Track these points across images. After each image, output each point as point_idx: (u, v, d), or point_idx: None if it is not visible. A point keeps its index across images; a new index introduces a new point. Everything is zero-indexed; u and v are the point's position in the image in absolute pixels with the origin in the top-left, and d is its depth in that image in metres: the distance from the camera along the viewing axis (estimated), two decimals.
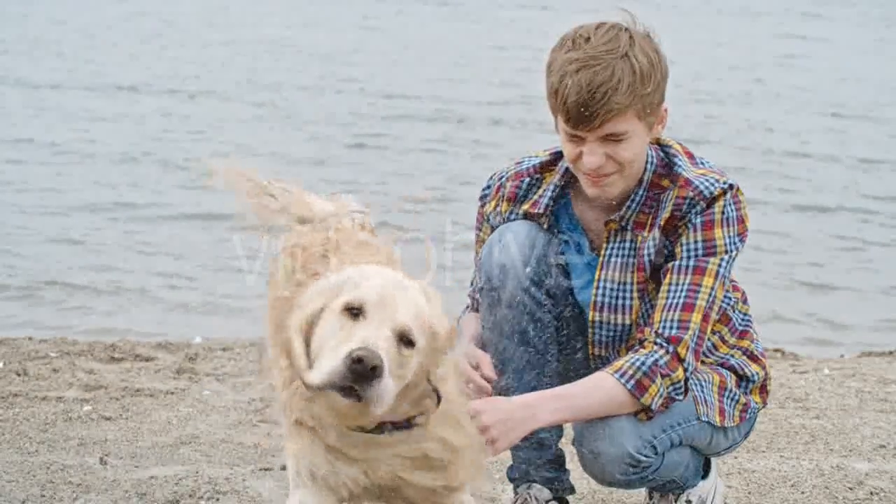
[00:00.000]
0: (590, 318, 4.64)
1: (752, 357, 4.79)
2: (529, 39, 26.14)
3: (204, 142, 16.01)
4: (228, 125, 17.10)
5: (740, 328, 4.81)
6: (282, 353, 3.74)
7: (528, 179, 4.73)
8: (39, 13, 27.86)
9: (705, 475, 4.91)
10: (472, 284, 4.89)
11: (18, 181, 13.69)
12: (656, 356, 4.40)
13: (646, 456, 4.49)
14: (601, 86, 4.27)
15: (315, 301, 3.69)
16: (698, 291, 4.45)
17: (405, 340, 3.59)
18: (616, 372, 4.40)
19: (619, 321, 4.60)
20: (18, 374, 7.16)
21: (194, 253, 11.20)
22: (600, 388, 4.41)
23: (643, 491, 5.10)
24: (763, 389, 4.83)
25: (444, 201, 13.23)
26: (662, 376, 4.39)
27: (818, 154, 16.77)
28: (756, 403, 4.80)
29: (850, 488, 5.70)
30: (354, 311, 3.57)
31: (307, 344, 3.66)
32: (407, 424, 3.75)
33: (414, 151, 16.00)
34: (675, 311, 4.44)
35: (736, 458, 6.00)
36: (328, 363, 3.50)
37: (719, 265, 4.47)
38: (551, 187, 4.68)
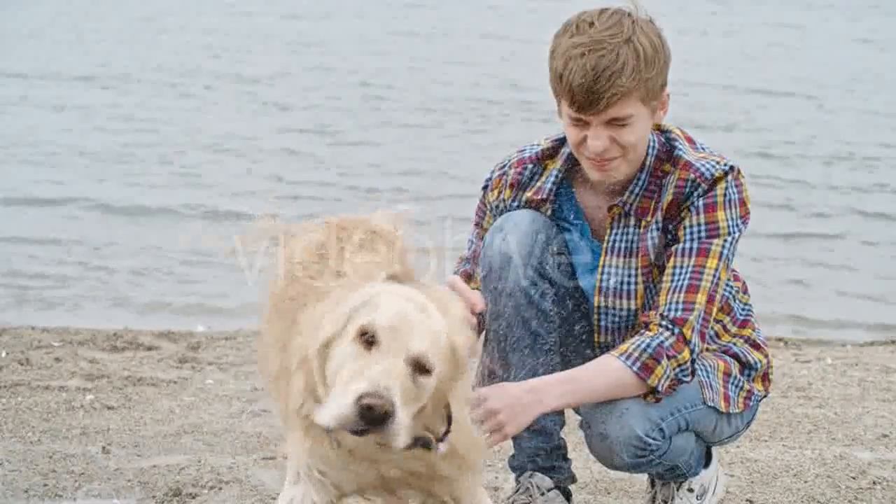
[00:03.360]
0: (595, 304, 4.64)
1: (755, 345, 4.80)
2: (517, 28, 26.14)
3: (183, 133, 15.96)
4: (210, 116, 17.01)
5: (741, 318, 4.82)
6: (297, 373, 3.64)
7: (530, 166, 4.74)
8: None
9: (707, 465, 4.92)
10: (455, 271, 4.88)
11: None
12: (661, 338, 4.41)
13: (653, 439, 4.49)
14: (606, 69, 4.29)
15: (329, 327, 3.56)
16: (702, 273, 4.46)
17: (421, 369, 3.47)
18: (621, 355, 4.41)
19: (625, 306, 4.60)
20: (21, 364, 7.16)
21: (185, 248, 11.17)
22: (606, 371, 4.41)
23: (645, 480, 5.10)
24: (765, 378, 4.84)
25: (428, 195, 13.17)
26: (668, 358, 4.40)
27: (800, 145, 16.72)
28: (759, 391, 4.80)
29: (853, 477, 5.71)
30: (369, 339, 3.45)
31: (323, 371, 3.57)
32: (418, 443, 3.64)
33: (399, 143, 15.95)
34: (679, 293, 4.45)
35: (738, 447, 6.00)
36: (338, 406, 3.37)
37: (723, 247, 4.48)
38: (554, 173, 4.69)
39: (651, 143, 4.57)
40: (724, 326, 4.76)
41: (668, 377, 4.42)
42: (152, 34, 24.24)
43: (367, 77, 20.33)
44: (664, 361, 4.40)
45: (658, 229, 4.54)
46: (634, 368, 4.39)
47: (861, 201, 14.15)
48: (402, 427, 3.38)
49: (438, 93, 19.25)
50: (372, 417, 3.32)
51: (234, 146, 15.25)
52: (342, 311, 3.58)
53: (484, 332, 4.76)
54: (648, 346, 4.40)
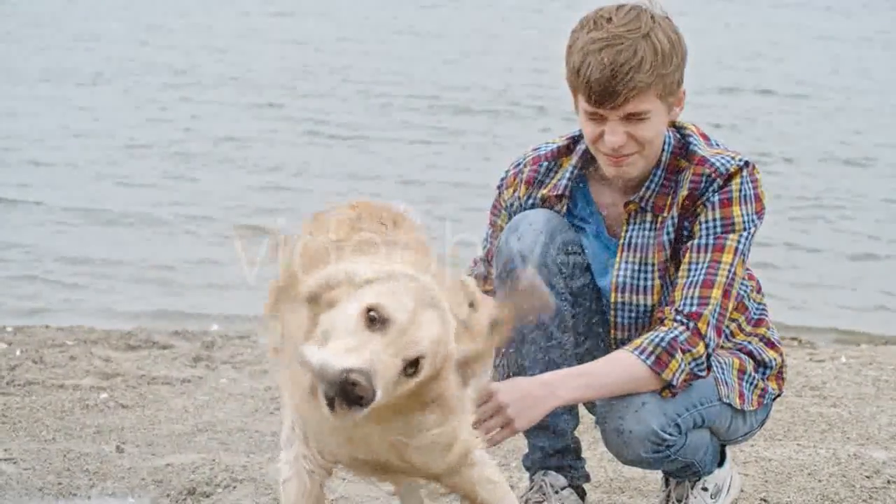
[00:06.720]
0: (611, 300, 4.64)
1: (769, 344, 4.80)
2: (518, 28, 26.11)
3: (187, 132, 15.98)
4: (210, 117, 17.01)
5: (756, 316, 4.82)
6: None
7: (546, 163, 4.75)
8: None
9: (721, 464, 4.92)
10: (469, 273, 4.86)
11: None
12: (676, 332, 4.41)
13: (670, 434, 4.49)
14: (624, 64, 4.30)
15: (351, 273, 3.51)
16: (718, 268, 4.46)
17: (411, 370, 3.42)
18: (635, 349, 4.41)
19: (641, 302, 4.60)
20: (35, 362, 7.17)
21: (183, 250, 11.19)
22: (620, 365, 4.41)
23: (659, 479, 5.10)
24: (779, 376, 4.84)
25: (428, 196, 13.13)
26: (683, 352, 4.39)
27: (799, 145, 16.68)
28: (773, 389, 4.80)
29: (868, 476, 5.69)
30: (374, 319, 3.39)
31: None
32: None
33: (399, 143, 15.93)
34: (694, 288, 4.45)
35: (753, 446, 5.99)
36: (325, 360, 3.31)
37: (738, 241, 4.49)
38: (569, 170, 4.70)
39: (667, 140, 4.58)
40: (739, 325, 4.76)
41: (682, 371, 4.42)
42: (146, 34, 24.24)
43: (366, 77, 20.31)
44: (678, 355, 4.40)
45: (674, 225, 4.54)
46: (648, 362, 4.39)
47: (856, 202, 14.10)
48: (360, 415, 3.33)
49: (438, 93, 19.23)
50: (347, 392, 3.28)
51: (232, 147, 15.24)
52: (358, 269, 3.53)
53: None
54: (662, 340, 4.40)
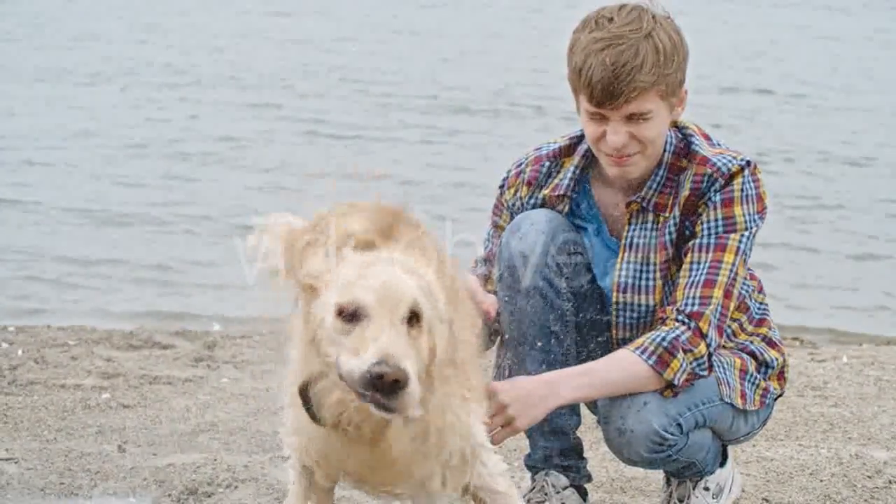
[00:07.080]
0: (613, 300, 4.64)
1: (771, 343, 4.81)
2: (516, 28, 26.06)
3: (185, 131, 15.96)
4: (208, 116, 16.99)
5: (757, 316, 4.83)
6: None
7: (547, 163, 4.75)
8: None
9: (722, 464, 4.92)
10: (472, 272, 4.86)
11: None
12: (677, 332, 4.41)
13: (671, 434, 4.49)
14: (626, 64, 4.31)
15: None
16: (719, 268, 4.47)
17: (414, 320, 3.43)
18: (637, 349, 4.41)
19: (643, 301, 4.61)
20: (37, 362, 7.17)
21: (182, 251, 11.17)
22: (622, 365, 4.42)
23: (660, 479, 5.10)
24: (781, 376, 4.84)
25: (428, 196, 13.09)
26: (684, 351, 4.40)
27: (799, 145, 16.64)
28: (774, 389, 4.81)
29: (869, 476, 5.69)
30: (349, 315, 3.39)
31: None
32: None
33: (398, 142, 15.91)
34: (695, 287, 4.46)
35: (754, 446, 5.99)
36: (351, 370, 3.33)
37: (740, 241, 4.49)
38: (571, 169, 4.70)
39: (668, 140, 4.59)
40: (740, 325, 4.77)
41: (684, 371, 4.42)
42: (145, 33, 24.19)
43: (365, 76, 20.28)
44: (680, 355, 4.40)
45: (676, 225, 4.55)
46: (650, 362, 4.40)
47: (856, 202, 14.07)
48: (415, 393, 3.33)
49: (437, 92, 19.20)
50: (384, 387, 3.28)
51: (230, 147, 15.23)
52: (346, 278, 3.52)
53: (500, 333, 4.77)
54: (664, 339, 4.41)
